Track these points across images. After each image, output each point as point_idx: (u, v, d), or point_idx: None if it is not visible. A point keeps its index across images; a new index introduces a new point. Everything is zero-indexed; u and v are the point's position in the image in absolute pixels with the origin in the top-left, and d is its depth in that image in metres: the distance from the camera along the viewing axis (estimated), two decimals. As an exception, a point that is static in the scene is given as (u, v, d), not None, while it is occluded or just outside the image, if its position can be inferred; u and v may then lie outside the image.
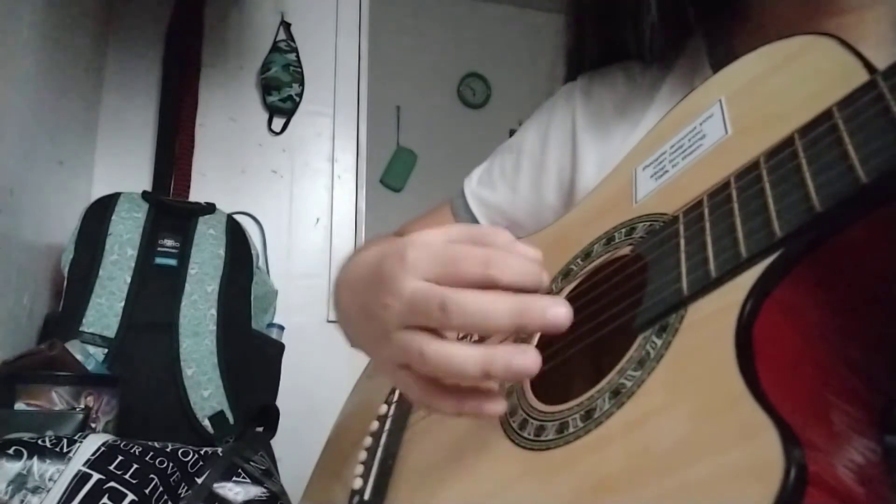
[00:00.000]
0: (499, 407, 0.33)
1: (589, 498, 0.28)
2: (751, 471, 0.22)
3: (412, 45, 2.88)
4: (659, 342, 0.30)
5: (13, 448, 0.68)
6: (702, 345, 0.28)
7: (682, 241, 0.33)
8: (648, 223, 0.38)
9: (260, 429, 0.97)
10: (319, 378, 1.32)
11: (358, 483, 0.46)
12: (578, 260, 0.43)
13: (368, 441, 0.49)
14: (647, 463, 0.26)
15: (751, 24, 0.48)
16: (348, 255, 0.60)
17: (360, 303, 0.40)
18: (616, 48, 0.57)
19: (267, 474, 0.77)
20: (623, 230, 0.40)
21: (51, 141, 1.19)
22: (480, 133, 2.81)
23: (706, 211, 0.33)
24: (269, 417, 0.97)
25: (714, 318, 0.28)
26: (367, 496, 0.44)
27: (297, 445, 0.93)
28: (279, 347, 1.33)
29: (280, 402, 1.20)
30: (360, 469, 0.47)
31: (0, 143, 0.97)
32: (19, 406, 0.83)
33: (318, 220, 1.60)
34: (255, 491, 0.73)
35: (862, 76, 0.29)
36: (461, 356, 0.31)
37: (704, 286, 0.29)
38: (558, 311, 0.30)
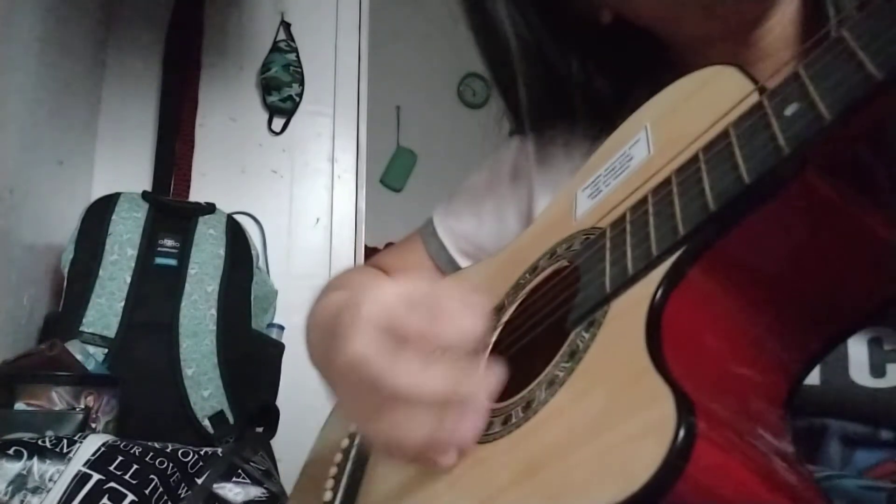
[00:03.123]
0: (477, 420, 0.34)
1: (525, 475, 0.31)
2: (650, 431, 0.25)
3: (412, 45, 2.88)
4: (587, 336, 0.34)
5: (13, 448, 0.68)
6: (619, 333, 0.32)
7: (608, 247, 0.37)
8: (584, 237, 0.43)
9: (260, 429, 0.97)
10: (319, 378, 1.32)
11: (328, 496, 0.48)
12: (527, 274, 0.48)
13: (339, 457, 0.52)
14: (570, 438, 0.30)
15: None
16: (322, 288, 0.63)
17: (324, 350, 0.42)
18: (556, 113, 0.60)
19: (267, 474, 0.77)
20: (564, 245, 0.45)
21: (51, 141, 1.19)
22: (480, 133, 2.81)
23: (627, 218, 0.37)
24: (269, 417, 0.97)
25: (630, 309, 0.32)
26: None
27: (297, 445, 0.92)
28: (279, 347, 1.33)
29: (280, 402, 1.20)
30: (330, 483, 0.49)
31: (0, 143, 0.97)
32: (19, 406, 0.83)
33: (318, 220, 1.60)
34: (254, 491, 0.73)
35: (754, 97, 0.34)
36: (425, 377, 0.33)
37: (623, 283, 0.34)
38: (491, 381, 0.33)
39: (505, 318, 0.46)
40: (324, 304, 0.48)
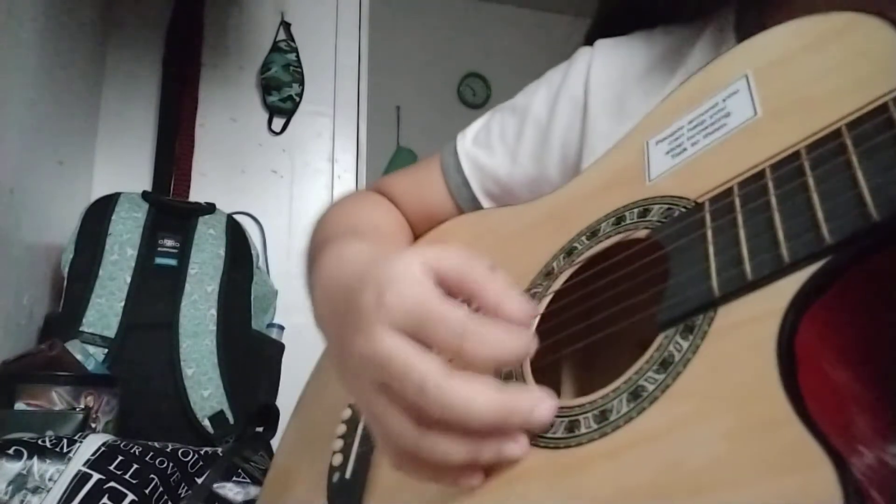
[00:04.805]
0: (522, 448, 0.29)
1: None
2: None
3: (412, 45, 2.88)
4: (685, 344, 0.28)
5: (13, 448, 0.68)
6: (737, 354, 0.26)
7: (710, 234, 0.30)
8: (665, 206, 0.35)
9: (260, 429, 0.97)
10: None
11: (338, 459, 0.44)
12: (583, 238, 0.39)
13: (347, 413, 0.46)
14: (678, 479, 0.24)
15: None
16: (318, 221, 0.55)
17: (334, 320, 0.37)
18: (645, 9, 0.54)
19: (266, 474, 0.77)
20: (635, 210, 0.37)
21: (51, 141, 1.18)
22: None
23: (737, 202, 0.30)
24: (269, 417, 0.97)
25: (751, 325, 0.26)
26: (347, 474, 0.42)
27: (297, 445, 0.92)
28: (279, 347, 1.33)
29: (280, 402, 1.20)
30: (339, 444, 0.45)
31: (0, 143, 0.97)
32: (19, 406, 0.83)
33: (318, 220, 1.60)
34: (255, 491, 0.73)
35: None
36: (478, 400, 0.28)
37: (738, 288, 0.27)
38: (544, 412, 0.29)
39: (555, 286, 0.39)
40: (338, 253, 0.41)
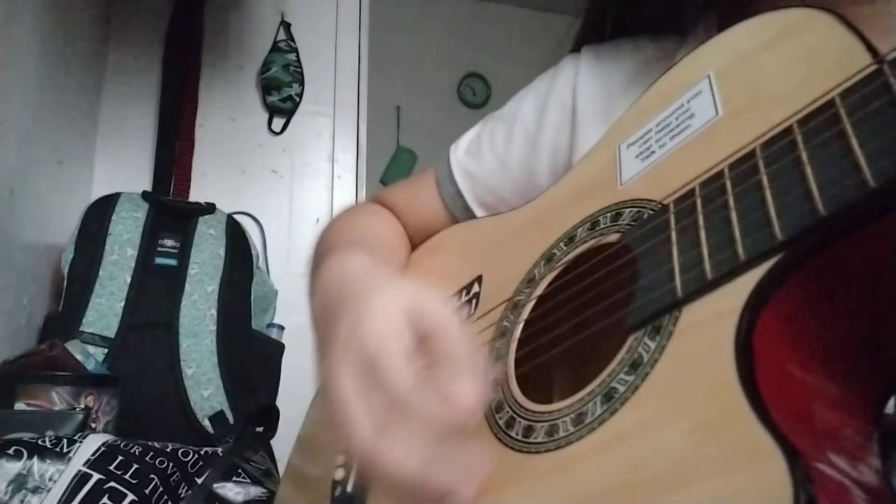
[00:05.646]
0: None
1: None
2: (757, 498, 0.21)
3: (412, 45, 2.88)
4: (652, 345, 0.28)
5: (13, 448, 0.68)
6: (699, 353, 0.26)
7: (674, 235, 0.31)
8: (635, 209, 0.36)
9: (260, 429, 0.97)
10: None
11: (340, 473, 0.45)
12: (562, 244, 0.40)
13: None
14: (644, 479, 0.25)
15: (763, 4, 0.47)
16: (323, 231, 0.56)
17: (322, 328, 0.38)
18: (630, 17, 0.55)
19: (267, 474, 0.77)
20: (608, 215, 0.38)
21: (51, 141, 1.18)
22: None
23: (698, 202, 0.31)
24: (269, 417, 0.97)
25: (710, 323, 0.26)
26: (349, 488, 0.43)
27: (297, 445, 0.92)
28: (279, 347, 1.33)
29: (280, 402, 1.20)
30: (341, 458, 0.46)
31: (0, 143, 0.97)
32: (19, 406, 0.83)
33: (318, 220, 1.60)
34: (255, 491, 0.73)
35: (865, 60, 0.27)
36: (400, 466, 0.28)
37: (699, 288, 0.28)
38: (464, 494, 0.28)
39: (537, 293, 0.40)
40: (340, 260, 0.42)
